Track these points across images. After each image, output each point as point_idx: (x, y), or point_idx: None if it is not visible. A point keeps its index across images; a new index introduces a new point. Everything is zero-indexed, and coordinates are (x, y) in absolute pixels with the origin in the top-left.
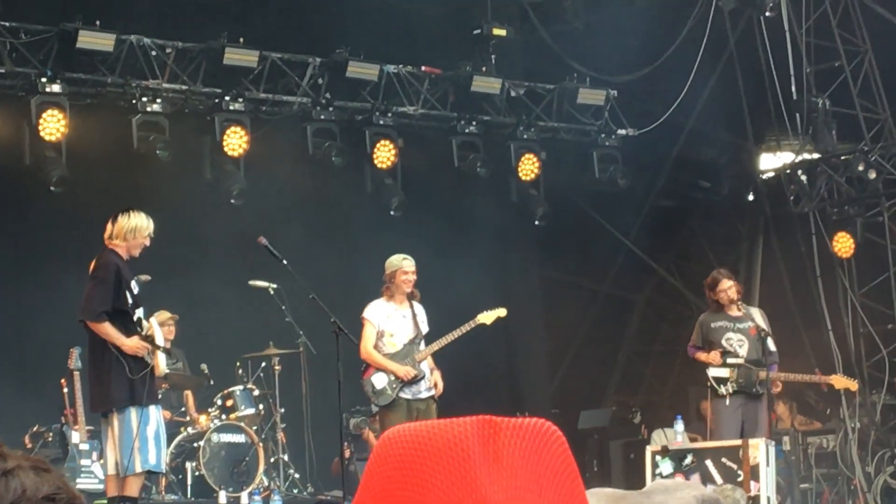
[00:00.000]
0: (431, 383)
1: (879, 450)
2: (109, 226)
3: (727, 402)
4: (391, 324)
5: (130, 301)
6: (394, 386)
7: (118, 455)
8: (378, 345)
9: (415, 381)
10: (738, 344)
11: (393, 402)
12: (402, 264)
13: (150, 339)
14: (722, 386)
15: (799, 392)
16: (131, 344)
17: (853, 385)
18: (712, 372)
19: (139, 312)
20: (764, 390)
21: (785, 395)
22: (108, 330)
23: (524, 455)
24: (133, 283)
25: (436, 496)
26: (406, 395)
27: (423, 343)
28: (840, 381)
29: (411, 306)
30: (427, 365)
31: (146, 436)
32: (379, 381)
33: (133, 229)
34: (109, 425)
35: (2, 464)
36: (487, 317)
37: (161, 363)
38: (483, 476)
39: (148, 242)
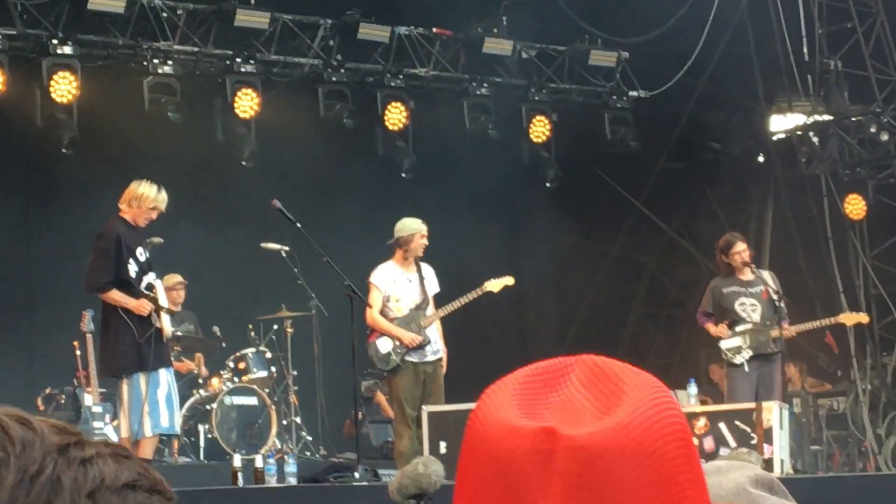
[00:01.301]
0: (439, 346)
1: (890, 411)
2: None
3: (746, 368)
4: (397, 289)
5: (137, 269)
6: (398, 351)
7: (129, 420)
8: (384, 310)
9: (420, 346)
10: (752, 308)
11: (398, 367)
12: (421, 228)
13: (153, 300)
14: (737, 355)
15: (809, 354)
16: (136, 303)
17: (864, 318)
18: (724, 344)
19: (149, 278)
20: (778, 348)
21: (795, 357)
22: (115, 296)
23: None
24: (140, 251)
25: None
26: (412, 358)
27: (429, 308)
28: (849, 318)
29: (418, 269)
30: (436, 329)
31: (157, 399)
32: (384, 345)
33: (138, 197)
34: (120, 390)
35: (79, 452)
36: (495, 285)
37: (166, 325)
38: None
39: (154, 216)
